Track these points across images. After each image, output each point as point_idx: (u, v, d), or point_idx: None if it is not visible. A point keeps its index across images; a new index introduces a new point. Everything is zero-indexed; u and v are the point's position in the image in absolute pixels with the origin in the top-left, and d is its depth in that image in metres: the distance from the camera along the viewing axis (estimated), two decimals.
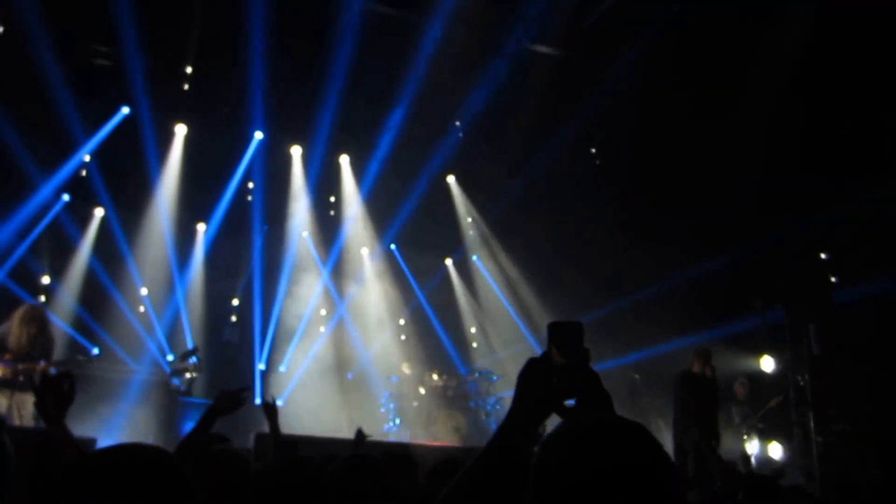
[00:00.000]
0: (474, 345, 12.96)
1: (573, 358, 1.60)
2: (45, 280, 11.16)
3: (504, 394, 11.36)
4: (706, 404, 7.46)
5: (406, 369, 11.43)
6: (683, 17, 9.28)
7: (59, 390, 2.45)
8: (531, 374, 1.59)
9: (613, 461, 1.20)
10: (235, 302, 11.99)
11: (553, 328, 1.65)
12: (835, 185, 9.08)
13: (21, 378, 7.19)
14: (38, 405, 2.47)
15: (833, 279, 9.69)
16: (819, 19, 8.40)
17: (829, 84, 9.12)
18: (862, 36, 8.23)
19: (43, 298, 10.76)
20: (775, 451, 9.53)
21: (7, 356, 7.20)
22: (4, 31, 9.30)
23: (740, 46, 9.34)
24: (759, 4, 9.00)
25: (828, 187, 9.16)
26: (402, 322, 12.57)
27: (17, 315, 7.42)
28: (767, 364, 10.13)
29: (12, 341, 7.24)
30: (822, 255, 9.55)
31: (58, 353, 8.04)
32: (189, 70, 10.29)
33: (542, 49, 10.07)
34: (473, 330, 12.93)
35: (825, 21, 8.27)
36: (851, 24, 8.20)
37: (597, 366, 1.61)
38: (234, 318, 12.07)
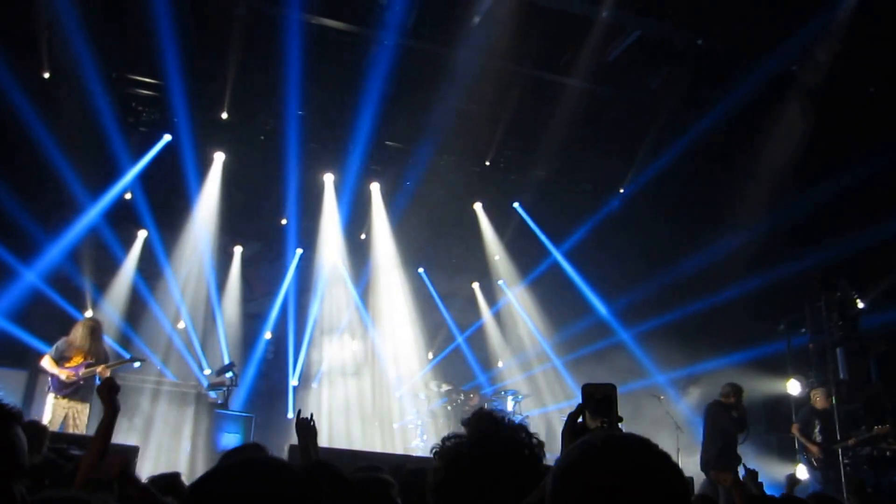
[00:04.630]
0: (500, 365, 13.22)
1: (607, 421, 1.60)
2: (91, 297, 11.68)
3: (530, 412, 11.62)
4: (732, 435, 7.85)
5: (434, 387, 11.76)
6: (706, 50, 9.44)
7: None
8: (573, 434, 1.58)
9: (623, 470, 1.21)
10: (268, 335, 12.47)
11: (586, 390, 1.64)
12: (862, 210, 9.18)
13: (82, 382, 7.83)
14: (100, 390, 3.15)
15: (860, 304, 9.71)
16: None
17: (856, 112, 9.22)
18: None
19: (90, 313, 11.30)
20: (801, 473, 9.56)
21: (68, 364, 7.85)
22: (54, 70, 9.85)
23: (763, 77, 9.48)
24: (781, 37, 9.12)
25: (855, 212, 9.25)
26: (430, 342, 12.88)
27: (79, 327, 8.10)
28: (794, 387, 10.10)
29: (73, 351, 7.91)
30: (848, 282, 9.57)
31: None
32: (227, 100, 10.71)
33: (565, 80, 10.28)
34: (499, 355, 13.22)
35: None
36: None
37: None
38: (267, 336, 12.53)
